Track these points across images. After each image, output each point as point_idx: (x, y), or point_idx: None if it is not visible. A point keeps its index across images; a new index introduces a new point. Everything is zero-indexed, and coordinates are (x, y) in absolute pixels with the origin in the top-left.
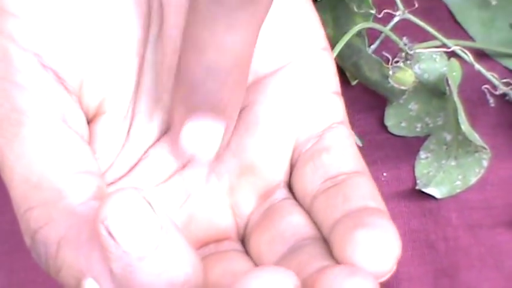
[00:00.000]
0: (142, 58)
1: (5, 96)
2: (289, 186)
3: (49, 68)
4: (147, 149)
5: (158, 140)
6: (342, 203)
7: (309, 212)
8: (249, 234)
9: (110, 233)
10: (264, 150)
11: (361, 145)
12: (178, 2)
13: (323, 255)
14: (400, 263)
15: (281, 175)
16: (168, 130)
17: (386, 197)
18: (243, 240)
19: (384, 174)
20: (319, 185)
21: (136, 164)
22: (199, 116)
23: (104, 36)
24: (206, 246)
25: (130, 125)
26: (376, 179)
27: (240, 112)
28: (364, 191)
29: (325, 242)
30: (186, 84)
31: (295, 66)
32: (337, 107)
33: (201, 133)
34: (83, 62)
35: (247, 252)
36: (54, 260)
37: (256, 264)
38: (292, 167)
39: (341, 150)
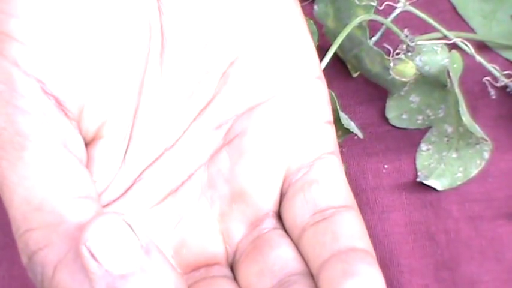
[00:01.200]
0: (141, 83)
1: (9, 121)
2: (279, 215)
3: (50, 94)
4: (142, 172)
5: (153, 162)
6: (330, 242)
7: (297, 244)
8: (238, 262)
9: (92, 254)
10: (255, 178)
11: (362, 137)
12: (179, 28)
13: None
14: (401, 255)
15: (271, 204)
16: (164, 152)
17: (388, 189)
18: (232, 266)
19: (385, 166)
20: (308, 218)
21: (131, 187)
22: None
23: (105, 63)
24: (197, 270)
25: (127, 147)
26: (377, 171)
27: (234, 139)
28: (352, 230)
29: (313, 279)
30: None
31: (289, 95)
32: (328, 137)
33: None
34: (84, 89)
35: (235, 278)
36: (50, 282)
37: None
38: (282, 196)
39: (331, 182)
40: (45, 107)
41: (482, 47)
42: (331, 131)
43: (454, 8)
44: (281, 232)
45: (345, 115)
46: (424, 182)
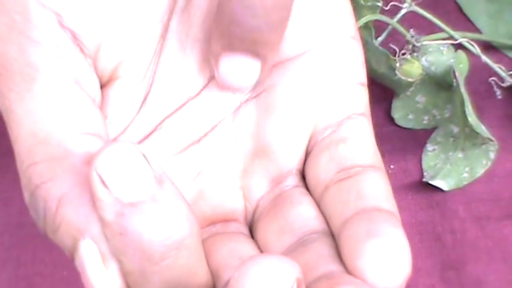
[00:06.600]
0: (166, 26)
1: (20, 51)
2: (303, 175)
3: (67, 28)
4: (164, 119)
5: (176, 110)
6: (354, 200)
7: (319, 203)
8: (257, 220)
9: (102, 181)
10: (281, 135)
11: None
12: None
13: (331, 256)
14: None
15: (295, 162)
16: (188, 101)
17: (394, 189)
18: (250, 225)
19: (391, 166)
20: (332, 175)
21: (151, 133)
22: (235, 53)
23: (128, 2)
24: (213, 225)
25: (148, 91)
26: None
27: (261, 94)
28: (378, 190)
29: (333, 238)
30: (224, 22)
31: (322, 52)
32: (360, 98)
33: (237, 69)
34: (103, 26)
35: (253, 237)
36: (53, 217)
37: (261, 252)
38: (307, 154)
39: (358, 142)
40: (60, 40)
41: (488, 47)
42: (363, 92)
43: (459, 8)
44: (303, 190)
45: None
46: (430, 182)
